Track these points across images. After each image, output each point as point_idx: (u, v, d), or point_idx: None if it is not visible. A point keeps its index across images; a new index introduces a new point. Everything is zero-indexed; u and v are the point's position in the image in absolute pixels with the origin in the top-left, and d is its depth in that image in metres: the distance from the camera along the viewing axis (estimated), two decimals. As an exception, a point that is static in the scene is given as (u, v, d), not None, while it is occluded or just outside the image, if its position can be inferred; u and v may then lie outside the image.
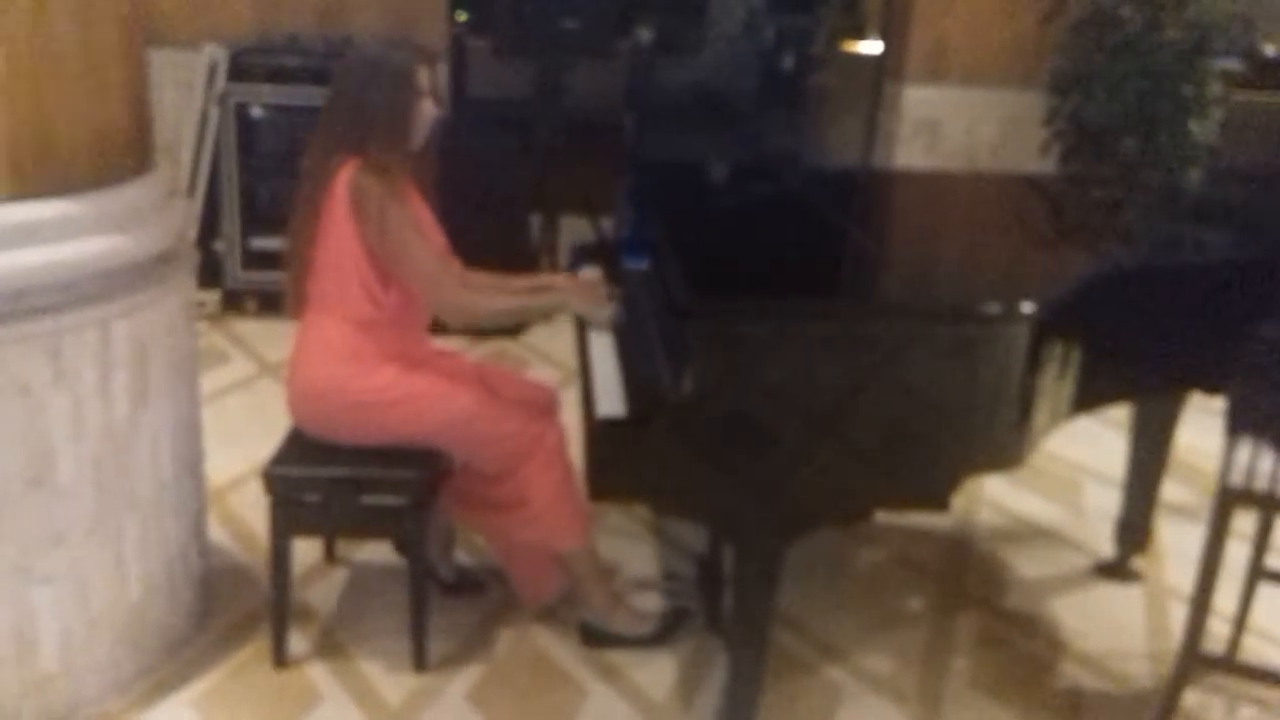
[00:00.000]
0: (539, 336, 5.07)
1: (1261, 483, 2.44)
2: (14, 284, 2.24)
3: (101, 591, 2.52)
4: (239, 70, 5.03)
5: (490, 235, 4.75)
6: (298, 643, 2.84)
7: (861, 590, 3.31)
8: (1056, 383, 2.36)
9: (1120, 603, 3.30)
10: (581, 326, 2.85)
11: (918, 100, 5.87)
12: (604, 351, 2.70)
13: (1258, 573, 2.83)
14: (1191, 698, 2.82)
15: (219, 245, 5.13)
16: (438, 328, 2.91)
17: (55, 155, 2.34)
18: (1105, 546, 3.49)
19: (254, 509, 3.28)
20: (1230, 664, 2.76)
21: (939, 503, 2.27)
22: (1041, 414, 2.33)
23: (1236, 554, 2.77)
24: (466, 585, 3.11)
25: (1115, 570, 3.42)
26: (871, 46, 6.58)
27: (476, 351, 4.80)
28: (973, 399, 2.22)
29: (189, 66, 5.08)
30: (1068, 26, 5.47)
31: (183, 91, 5.09)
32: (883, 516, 3.52)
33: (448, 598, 3.05)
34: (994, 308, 2.22)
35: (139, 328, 2.49)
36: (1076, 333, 2.39)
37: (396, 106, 2.65)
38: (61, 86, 2.33)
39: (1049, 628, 3.15)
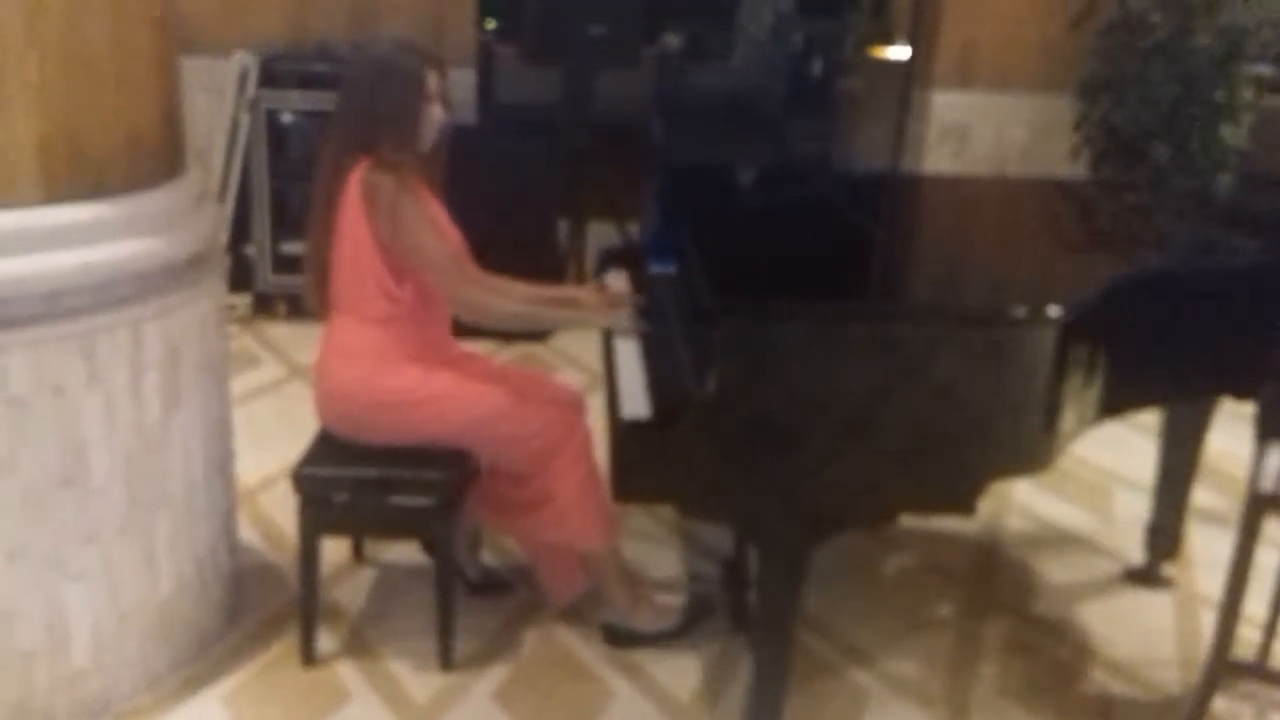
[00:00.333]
0: (566, 341, 5.09)
1: (1292, 487, 2.43)
2: (48, 286, 2.28)
3: (133, 588, 2.55)
4: (269, 77, 5.08)
5: (518, 240, 4.78)
6: (326, 641, 2.86)
7: (889, 594, 3.30)
8: (1084, 386, 2.35)
9: (1150, 609, 3.27)
10: (608, 331, 2.86)
11: (946, 105, 5.86)
12: (629, 355, 2.71)
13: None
14: (1221, 704, 2.79)
15: (250, 250, 5.18)
16: (464, 331, 2.93)
17: (88, 160, 2.37)
18: (1135, 552, 3.47)
19: (283, 509, 3.31)
20: (1260, 671, 2.74)
21: (965, 506, 2.26)
22: (1068, 418, 2.31)
23: (1268, 560, 2.75)
24: (493, 586, 3.13)
25: (1145, 576, 3.40)
26: (900, 52, 6.57)
27: (504, 355, 4.82)
28: (999, 402, 2.21)
29: (220, 73, 5.13)
30: (1097, 31, 5.44)
31: (214, 98, 5.14)
32: (910, 521, 3.55)
33: (474, 598, 3.06)
34: (1021, 311, 2.21)
35: (171, 329, 2.52)
36: (1104, 337, 2.37)
37: (405, 109, 2.67)
38: (94, 92, 2.36)
39: (1078, 634, 3.13)
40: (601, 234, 5.54)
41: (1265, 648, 2.81)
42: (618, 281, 3.08)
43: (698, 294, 2.35)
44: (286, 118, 5.09)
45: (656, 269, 3.08)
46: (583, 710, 2.70)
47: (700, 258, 2.46)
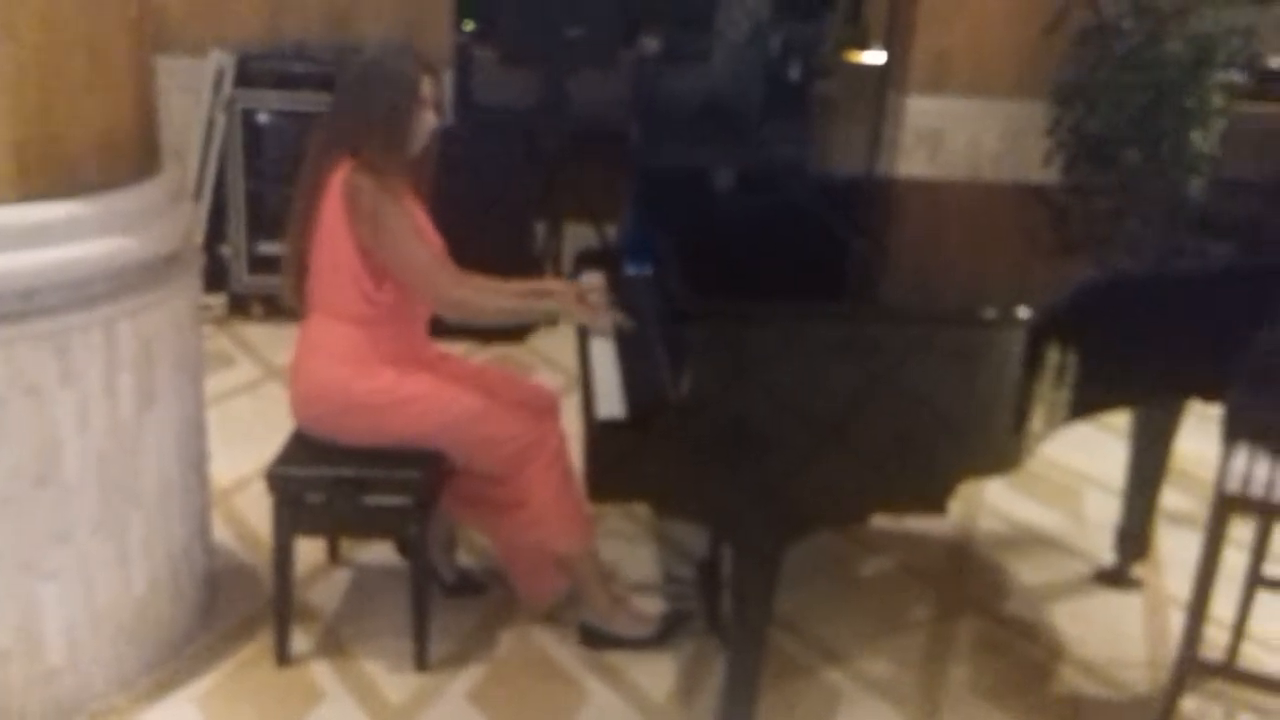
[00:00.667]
0: (543, 341, 5.10)
1: (1258, 489, 2.46)
2: (22, 284, 2.27)
3: (106, 588, 2.54)
4: (246, 76, 5.07)
5: (495, 242, 4.77)
6: (300, 642, 2.86)
7: (862, 595, 3.32)
8: (1054, 388, 2.38)
9: (1120, 610, 3.31)
10: (583, 331, 2.87)
11: (921, 110, 5.89)
12: (604, 355, 2.72)
13: (1256, 580, 2.85)
14: (1190, 704, 2.83)
15: (225, 250, 5.16)
16: (441, 331, 2.93)
17: (62, 157, 2.36)
18: (1105, 553, 3.50)
19: (258, 510, 3.30)
20: (1228, 670, 2.78)
21: (937, 506, 2.28)
22: (1038, 418, 2.34)
23: (1237, 562, 2.79)
24: (468, 586, 3.13)
25: (1115, 577, 3.44)
26: (875, 57, 6.61)
27: (480, 356, 4.82)
28: (970, 402, 2.24)
29: (196, 73, 5.11)
30: (1070, 38, 5.49)
31: (190, 97, 5.12)
32: (883, 522, 3.58)
33: (449, 598, 3.07)
34: (990, 312, 2.24)
35: (145, 328, 2.51)
36: (1074, 338, 2.40)
37: (397, 113, 2.67)
38: (69, 91, 2.36)
39: (1049, 634, 3.16)
40: (578, 235, 5.56)
41: (1233, 648, 2.86)
42: (593, 282, 3.09)
43: (672, 296, 2.36)
44: (263, 118, 5.07)
45: (632, 271, 3.10)
46: (558, 710, 2.71)
47: (675, 260, 2.48)
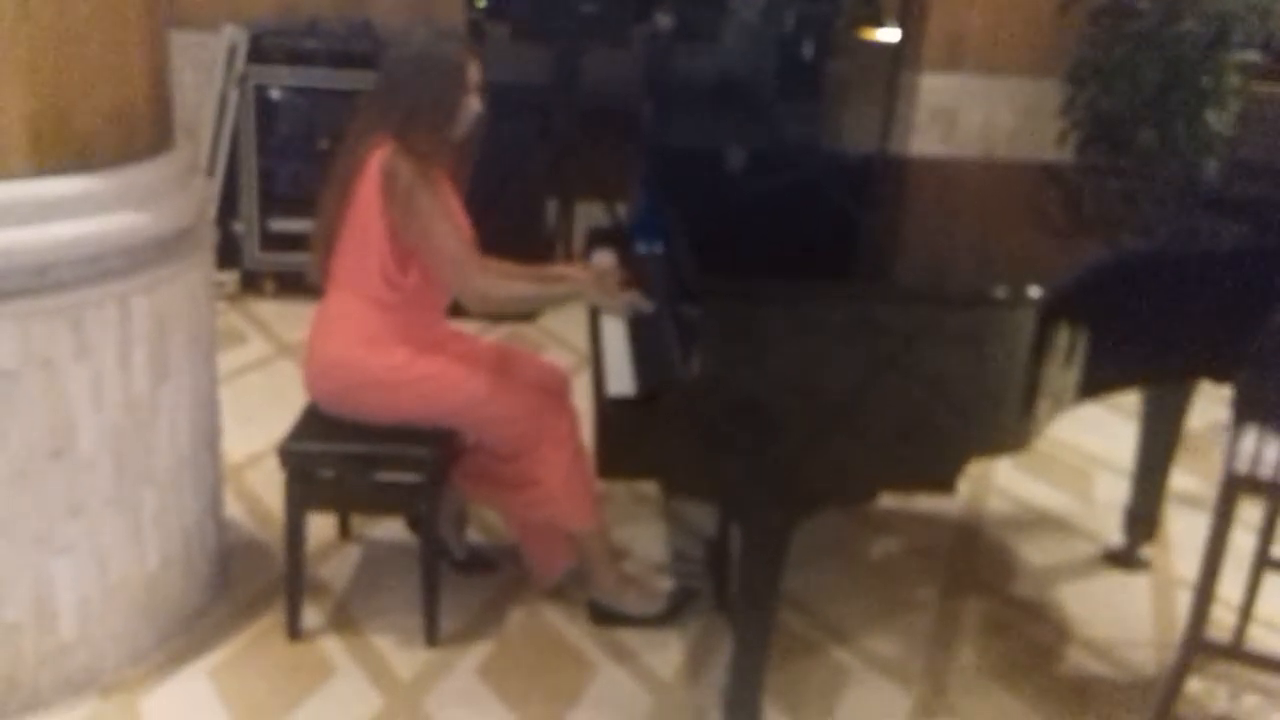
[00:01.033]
0: (553, 321, 5.10)
1: (1266, 470, 2.46)
2: (37, 259, 2.28)
3: (119, 562, 2.57)
4: (259, 52, 5.06)
5: (506, 220, 4.77)
6: (312, 617, 2.88)
7: (870, 575, 3.34)
8: (1063, 367, 2.38)
9: (1128, 591, 3.31)
10: (594, 310, 2.88)
11: (934, 89, 5.87)
12: (615, 333, 2.73)
13: (1263, 562, 2.85)
14: (1197, 686, 2.84)
15: (238, 226, 5.17)
16: (455, 310, 2.94)
17: (77, 133, 2.37)
18: (1115, 535, 3.51)
19: (270, 487, 3.33)
20: (1233, 651, 2.78)
21: (945, 485, 2.29)
22: (1047, 398, 2.35)
23: (1245, 543, 2.79)
24: (478, 564, 3.15)
25: (1123, 558, 3.44)
26: (889, 35, 6.56)
27: (492, 335, 4.83)
28: (980, 382, 2.24)
29: (209, 48, 5.12)
30: (1086, 16, 5.46)
31: (203, 73, 5.12)
32: (892, 503, 3.60)
33: (459, 575, 3.08)
34: (1001, 292, 2.24)
35: (159, 303, 2.53)
36: (1084, 318, 2.40)
37: (446, 99, 2.70)
38: (83, 67, 2.36)
39: (1056, 614, 3.17)
40: (590, 214, 5.55)
41: (1240, 630, 2.86)
42: (605, 260, 3.09)
43: (683, 274, 2.37)
44: (275, 94, 5.07)
45: (642, 249, 3.10)
46: (566, 685, 2.73)
47: (685, 239, 2.48)
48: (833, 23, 8.02)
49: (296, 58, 5.05)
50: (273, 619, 2.86)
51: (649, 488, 3.57)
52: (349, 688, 2.67)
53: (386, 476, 2.72)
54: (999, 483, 3.91)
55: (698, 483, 2.34)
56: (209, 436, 2.85)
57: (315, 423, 2.79)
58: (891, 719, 2.71)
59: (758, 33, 8.53)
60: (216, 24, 5.14)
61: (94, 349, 2.39)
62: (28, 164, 2.30)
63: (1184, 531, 3.58)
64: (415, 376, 2.72)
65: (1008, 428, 2.31)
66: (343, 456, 2.71)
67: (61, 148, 2.35)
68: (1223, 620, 2.88)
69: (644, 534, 3.41)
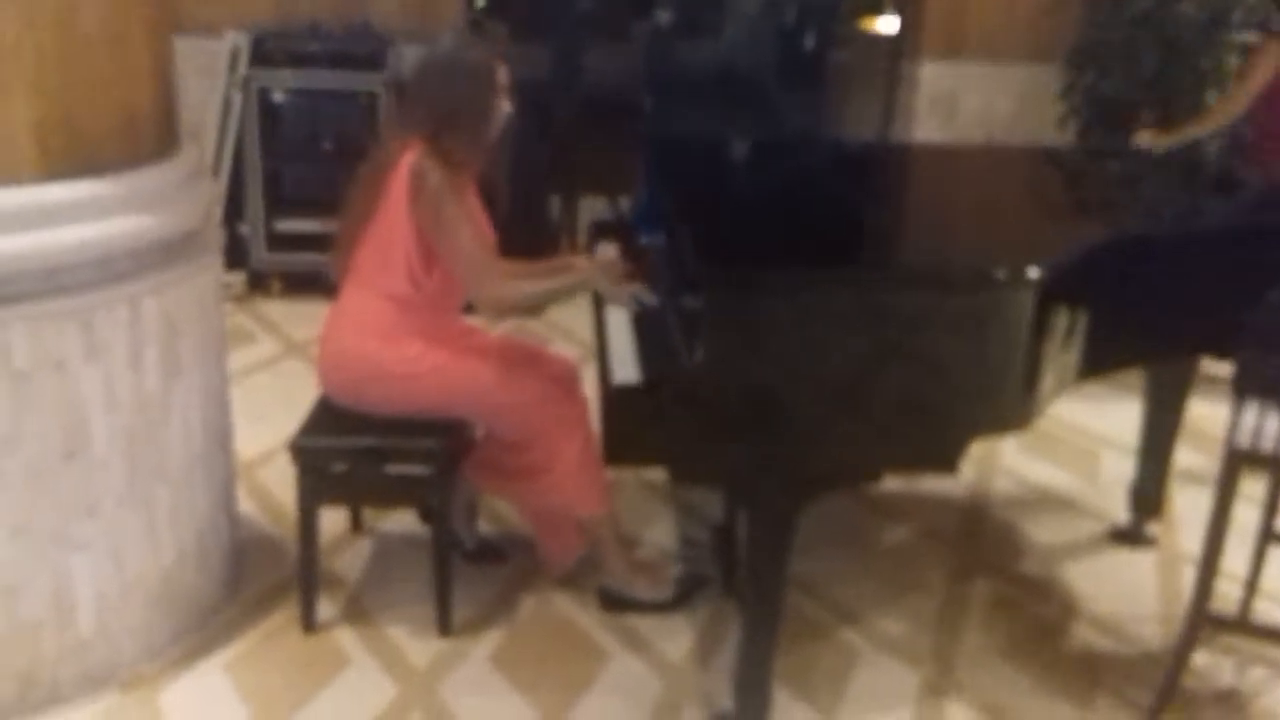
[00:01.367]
0: (560, 314, 5.12)
1: (1268, 444, 2.48)
2: (47, 262, 2.32)
3: (135, 559, 2.61)
4: (261, 56, 5.11)
5: (510, 215, 4.80)
6: (326, 609, 2.92)
7: (878, 558, 3.37)
8: (1064, 347, 2.40)
9: (1134, 567, 3.34)
10: (598, 301, 2.91)
11: (935, 76, 5.88)
12: (619, 323, 2.76)
13: (1268, 535, 2.87)
14: (1204, 660, 2.86)
15: (244, 228, 5.21)
16: (465, 306, 2.98)
17: (84, 139, 2.41)
18: (1121, 514, 3.53)
19: (281, 483, 3.36)
20: (1239, 624, 2.80)
21: (948, 464, 2.32)
22: (1048, 378, 2.37)
23: (1251, 519, 2.81)
24: (489, 554, 3.19)
25: (1129, 536, 3.47)
26: (888, 24, 6.58)
27: (499, 328, 4.86)
28: (981, 363, 2.26)
29: (212, 53, 5.16)
30: (1083, 0, 5.47)
31: (206, 77, 5.16)
32: (899, 486, 3.62)
33: (471, 566, 3.12)
34: (1001, 273, 2.27)
35: (168, 304, 2.57)
36: (1084, 298, 2.43)
37: (480, 104, 2.77)
38: (89, 74, 2.41)
39: (1063, 592, 3.20)
40: (593, 208, 5.58)
41: (1246, 603, 2.88)
42: (608, 253, 3.12)
43: (686, 262, 2.39)
44: (278, 96, 5.12)
45: (645, 240, 3.13)
46: (578, 671, 2.76)
47: (687, 228, 2.51)
48: (833, 13, 8.03)
49: (298, 60, 5.10)
50: (287, 612, 2.90)
51: (657, 476, 3.60)
52: (364, 678, 2.71)
53: (397, 469, 2.76)
54: (1005, 464, 3.94)
55: (703, 468, 2.37)
56: (220, 434, 2.89)
57: (326, 417, 2.82)
58: (900, 698, 2.74)
59: (758, 25, 8.53)
60: (218, 29, 5.18)
61: (105, 350, 2.43)
62: (36, 170, 2.34)
63: (1189, 508, 3.59)
64: (427, 368, 2.76)
65: (1009, 407, 2.34)
66: (353, 450, 2.74)
67: (69, 153, 2.39)
68: (1229, 594, 2.91)
69: (653, 521, 3.45)
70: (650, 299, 2.75)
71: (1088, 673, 2.86)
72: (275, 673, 2.71)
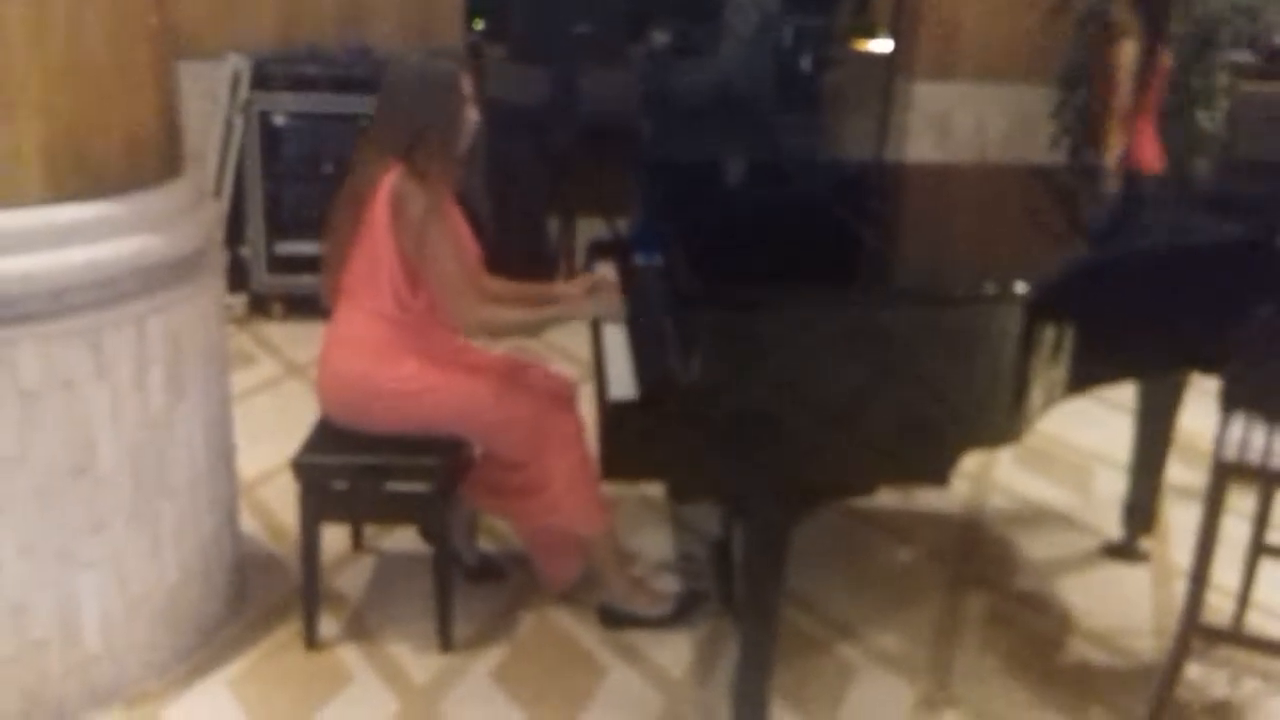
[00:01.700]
0: (557, 335, 5.16)
1: (1254, 456, 2.52)
2: (55, 283, 2.36)
3: (140, 576, 2.64)
4: (262, 79, 5.16)
5: (508, 237, 4.86)
6: (328, 626, 2.95)
7: (874, 573, 3.40)
8: (1053, 361, 2.44)
9: (1127, 582, 3.37)
10: (596, 320, 2.95)
11: (928, 96, 5.96)
12: (616, 341, 2.80)
13: (1259, 548, 2.91)
14: (1197, 672, 2.89)
15: (245, 250, 5.26)
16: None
17: (90, 161, 2.45)
18: (1114, 529, 3.57)
19: (283, 503, 3.40)
20: (1230, 635, 2.84)
21: (939, 477, 2.35)
22: (1038, 391, 2.41)
23: (1243, 533, 2.85)
24: (489, 572, 3.22)
25: (1123, 551, 3.50)
26: (882, 45, 6.66)
27: (497, 348, 4.89)
28: (970, 377, 2.30)
29: (213, 77, 5.21)
30: (1074, 21, 5.54)
31: (207, 101, 5.21)
32: (895, 502, 3.65)
33: (471, 584, 3.15)
34: (989, 289, 2.31)
35: (174, 323, 2.61)
36: (1073, 313, 2.47)
37: (448, 114, 2.77)
38: (95, 97, 2.45)
39: (1057, 606, 3.23)
40: (591, 230, 5.62)
41: (1238, 616, 2.92)
42: (606, 272, 3.17)
43: (679, 280, 2.44)
44: (279, 119, 5.17)
45: (642, 261, 3.17)
46: (578, 686, 2.79)
47: (682, 246, 2.55)
48: (827, 35, 8.11)
49: (298, 84, 5.15)
50: (289, 629, 2.93)
51: (655, 493, 3.64)
52: (366, 694, 2.73)
53: (397, 486, 2.79)
54: (1000, 480, 3.98)
55: (699, 482, 2.40)
56: (224, 452, 2.92)
57: (327, 436, 2.86)
58: (896, 711, 2.77)
59: (753, 48, 8.61)
60: (220, 53, 5.24)
61: (112, 369, 2.47)
62: (44, 191, 2.38)
63: (1181, 523, 3.63)
64: (424, 387, 2.79)
65: (999, 421, 2.37)
66: (354, 468, 2.78)
67: (76, 175, 2.43)
68: (1222, 607, 2.95)
69: (651, 538, 3.48)
70: (626, 314, 2.80)
71: (1082, 685, 2.89)
72: (279, 689, 2.74)
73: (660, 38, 7.87)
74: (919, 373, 2.27)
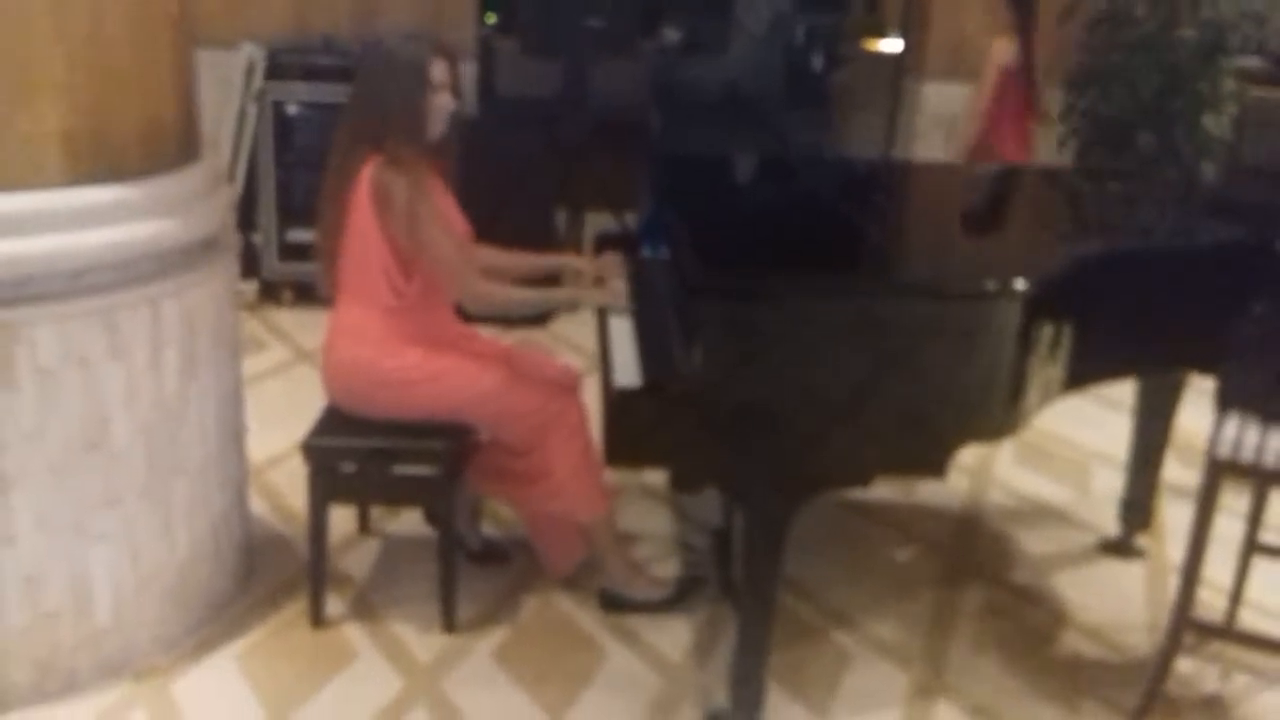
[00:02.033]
0: (564, 326, 5.23)
1: (1247, 454, 2.56)
2: (73, 264, 2.42)
3: (151, 551, 2.70)
4: (275, 69, 5.22)
5: (518, 230, 4.89)
6: (334, 605, 3.01)
7: (873, 564, 3.44)
8: (1051, 357, 2.49)
9: (1122, 578, 3.41)
10: (602, 310, 3.00)
11: (937, 96, 5.99)
12: (622, 329, 2.85)
13: (1252, 545, 2.95)
14: (1189, 667, 2.94)
15: (256, 237, 5.31)
16: (470, 317, 3.07)
17: (109, 145, 2.51)
18: (1111, 526, 3.61)
19: (291, 486, 3.45)
20: (1221, 630, 2.88)
21: (937, 469, 2.40)
22: (1035, 387, 2.45)
23: (1237, 531, 2.89)
24: (493, 555, 3.27)
25: (1119, 547, 3.54)
26: (892, 45, 6.69)
27: (504, 339, 4.94)
28: (969, 371, 2.35)
29: (228, 65, 5.27)
30: (1084, 24, 5.58)
31: (222, 90, 5.27)
32: (894, 495, 3.70)
33: (475, 567, 3.20)
34: (990, 284, 2.35)
35: (187, 306, 2.66)
36: (1071, 311, 2.51)
37: (410, 100, 2.77)
38: (116, 83, 2.51)
39: (1053, 600, 3.27)
40: (599, 224, 5.68)
41: (1230, 613, 2.96)
42: (612, 259, 3.21)
43: (683, 270, 2.49)
44: (292, 109, 5.23)
45: (649, 253, 3.22)
46: (578, 668, 2.84)
47: (687, 238, 2.60)
48: (837, 34, 8.14)
49: (311, 74, 5.21)
50: (296, 608, 2.99)
51: (657, 481, 3.69)
52: (370, 671, 2.79)
53: (404, 469, 2.85)
54: (999, 476, 4.02)
55: (700, 469, 2.45)
56: (234, 432, 2.98)
57: (336, 420, 2.91)
58: (891, 698, 2.81)
59: (763, 45, 8.63)
60: (235, 42, 5.30)
61: (127, 349, 2.53)
62: (64, 175, 2.44)
63: (1178, 521, 3.65)
64: (428, 375, 2.84)
65: (997, 415, 2.42)
66: (363, 451, 2.83)
67: (95, 159, 2.49)
68: (1214, 604, 2.99)
69: (652, 525, 3.53)
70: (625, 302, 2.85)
71: (1075, 677, 2.94)
72: (285, 665, 2.79)
73: (672, 34, 7.90)
74: (918, 365, 2.32)
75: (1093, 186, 3.98)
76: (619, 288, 2.96)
